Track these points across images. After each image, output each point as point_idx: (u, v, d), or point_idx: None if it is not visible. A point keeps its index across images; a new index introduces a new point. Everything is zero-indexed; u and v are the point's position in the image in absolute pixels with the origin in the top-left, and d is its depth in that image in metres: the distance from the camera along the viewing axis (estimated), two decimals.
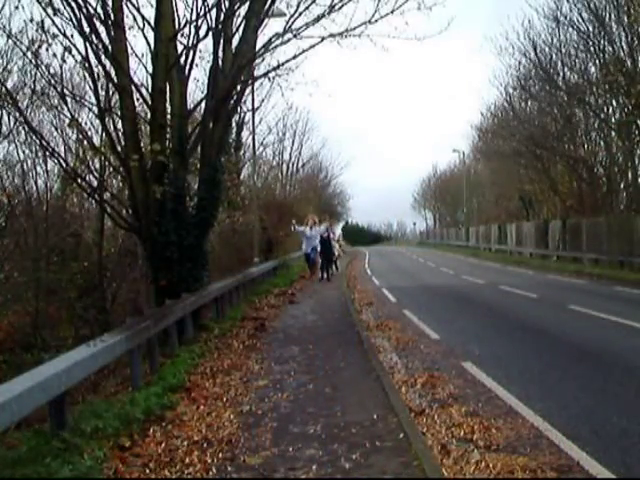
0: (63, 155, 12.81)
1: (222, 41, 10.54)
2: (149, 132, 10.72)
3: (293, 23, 10.96)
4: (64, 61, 9.92)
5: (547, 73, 27.88)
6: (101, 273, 15.32)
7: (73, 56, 9.86)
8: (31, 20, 9.74)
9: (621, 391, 6.46)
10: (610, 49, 24.67)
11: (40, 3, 9.28)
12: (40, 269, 14.02)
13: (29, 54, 10.44)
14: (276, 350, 9.04)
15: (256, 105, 24.88)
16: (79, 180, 11.76)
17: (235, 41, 10.96)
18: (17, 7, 10.48)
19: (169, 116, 10.45)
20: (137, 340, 6.85)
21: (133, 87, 10.12)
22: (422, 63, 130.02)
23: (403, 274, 25.63)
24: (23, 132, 15.24)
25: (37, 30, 9.59)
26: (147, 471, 4.57)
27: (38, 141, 12.01)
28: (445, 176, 71.52)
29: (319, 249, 21.12)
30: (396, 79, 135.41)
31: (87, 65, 9.83)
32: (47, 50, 9.80)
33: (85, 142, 12.56)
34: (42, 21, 9.44)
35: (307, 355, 8.63)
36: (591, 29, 25.01)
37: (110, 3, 9.66)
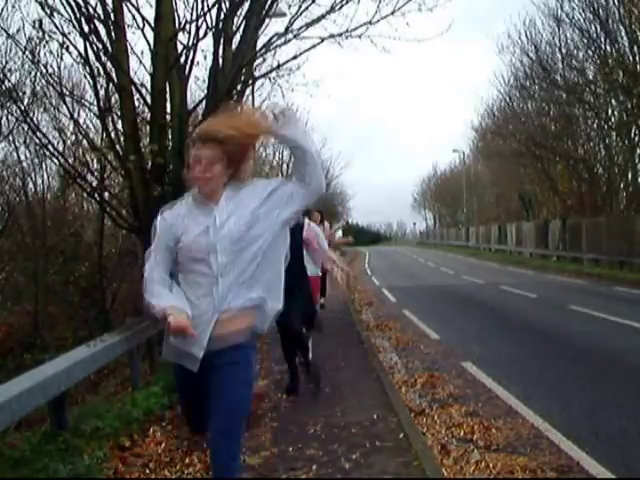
0: (63, 155, 12.78)
1: (222, 41, 10.53)
2: (149, 132, 10.72)
3: (293, 23, 10.97)
4: (61, 59, 9.94)
5: (547, 72, 27.89)
6: (101, 273, 15.31)
7: (72, 55, 9.87)
8: (34, 21, 9.74)
9: (621, 391, 6.46)
10: (611, 49, 24.68)
11: (39, 3, 9.28)
12: (40, 269, 14.02)
13: (27, 53, 10.43)
14: (276, 350, 9.02)
15: (257, 105, 24.88)
16: (79, 180, 11.76)
17: (235, 41, 10.95)
18: (14, 6, 10.49)
19: (169, 116, 10.44)
20: (137, 340, 6.84)
21: (133, 87, 10.11)
22: (423, 62, 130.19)
23: (403, 274, 25.62)
24: (23, 132, 15.27)
25: (35, 28, 9.60)
26: (147, 471, 4.56)
27: (38, 141, 12.01)
28: (445, 176, 71.54)
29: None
30: (396, 78, 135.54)
31: (86, 65, 9.83)
32: (44, 47, 9.82)
33: (85, 142, 12.56)
34: (40, 20, 9.45)
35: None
36: (592, 28, 25.05)
37: (110, 3, 9.66)
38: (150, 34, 10.04)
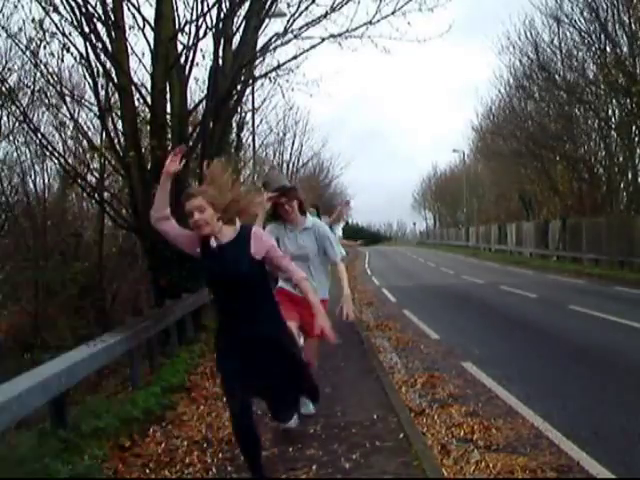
0: (63, 155, 12.79)
1: (222, 41, 10.53)
2: (149, 132, 10.72)
3: (293, 23, 10.99)
4: (62, 60, 9.97)
5: (547, 72, 27.90)
6: (101, 273, 15.31)
7: (72, 55, 9.89)
8: (32, 20, 9.76)
9: (621, 391, 6.46)
10: (610, 49, 24.68)
11: (40, 3, 9.29)
12: (40, 269, 14.02)
13: (28, 53, 10.45)
14: None
15: (257, 105, 24.89)
16: (79, 180, 11.77)
17: (235, 41, 10.96)
18: (16, 6, 10.51)
19: (169, 116, 10.44)
20: (137, 340, 6.84)
21: (133, 87, 10.12)
22: (423, 62, 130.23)
23: (403, 274, 25.62)
24: (23, 132, 15.28)
25: (35, 28, 9.62)
26: (147, 471, 4.56)
27: (38, 141, 12.02)
28: (445, 176, 71.53)
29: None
30: (396, 78, 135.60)
31: (87, 65, 9.85)
32: (45, 49, 9.84)
33: (85, 142, 12.58)
34: (40, 20, 9.47)
35: None
36: (592, 29, 25.05)
37: (110, 3, 9.67)
38: (150, 34, 10.06)
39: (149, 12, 10.08)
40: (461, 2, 52.11)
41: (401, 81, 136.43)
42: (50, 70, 10.42)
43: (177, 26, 10.25)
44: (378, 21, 11.18)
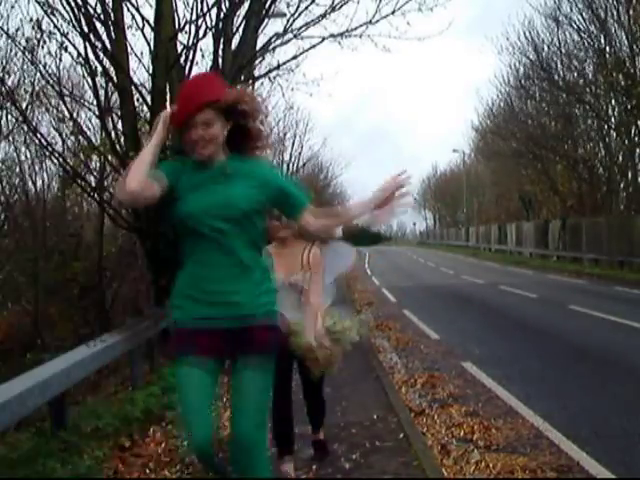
0: (63, 155, 12.78)
1: (222, 41, 10.53)
2: (149, 132, 10.70)
3: (293, 23, 11.00)
4: (60, 60, 9.96)
5: (547, 73, 27.90)
6: (101, 273, 15.30)
7: (71, 55, 9.89)
8: (30, 20, 9.74)
9: (621, 391, 6.46)
10: (610, 49, 24.68)
11: (38, 2, 9.28)
12: (40, 269, 14.02)
13: (27, 54, 10.43)
14: None
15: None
16: (79, 180, 11.76)
17: (235, 41, 10.96)
18: (13, 7, 10.51)
19: None
20: (137, 340, 6.84)
21: (133, 87, 10.11)
22: (424, 62, 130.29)
23: (403, 274, 25.62)
24: (23, 132, 15.27)
25: (33, 28, 9.61)
26: (147, 471, 4.56)
27: (38, 141, 12.00)
28: (445, 176, 71.56)
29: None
30: (397, 78, 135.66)
31: (86, 65, 9.83)
32: (42, 48, 9.83)
33: (85, 142, 12.57)
34: (39, 20, 9.46)
35: None
36: (591, 29, 25.05)
37: (109, 3, 9.65)
38: (150, 34, 10.04)
39: (149, 12, 10.08)
40: (463, 1, 52.13)
41: (402, 81, 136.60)
42: (49, 70, 10.41)
43: (177, 26, 10.23)
44: (378, 21, 11.21)
